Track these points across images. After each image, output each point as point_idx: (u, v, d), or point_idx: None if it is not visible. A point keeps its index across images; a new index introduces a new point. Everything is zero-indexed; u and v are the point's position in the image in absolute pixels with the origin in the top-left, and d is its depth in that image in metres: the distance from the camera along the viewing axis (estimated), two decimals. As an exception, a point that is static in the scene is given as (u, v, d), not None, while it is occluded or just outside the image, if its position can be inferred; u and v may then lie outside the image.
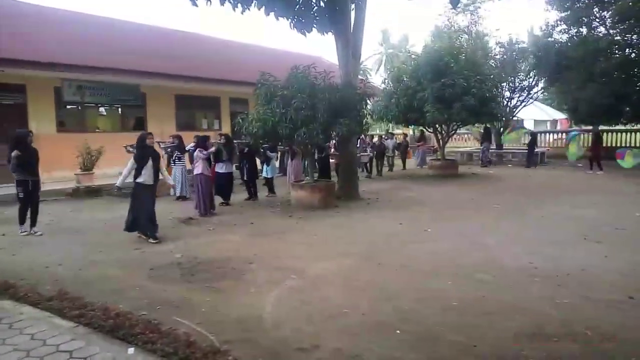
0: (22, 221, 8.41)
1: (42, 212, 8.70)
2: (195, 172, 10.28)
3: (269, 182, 12.99)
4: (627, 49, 21.59)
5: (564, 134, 28.69)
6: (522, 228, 8.53)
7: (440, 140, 18.46)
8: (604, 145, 24.34)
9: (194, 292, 5.26)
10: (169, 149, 12.59)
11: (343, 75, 12.30)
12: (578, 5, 21.89)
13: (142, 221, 7.81)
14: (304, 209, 10.67)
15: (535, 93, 24.31)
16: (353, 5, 12.60)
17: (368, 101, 12.70)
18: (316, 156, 12.86)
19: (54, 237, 8.20)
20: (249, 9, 12.03)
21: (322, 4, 12.71)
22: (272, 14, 12.10)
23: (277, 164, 14.82)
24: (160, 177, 8.30)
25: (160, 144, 12.47)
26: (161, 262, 6.53)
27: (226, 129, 18.81)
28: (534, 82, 23.61)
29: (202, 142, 10.50)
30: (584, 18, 22.25)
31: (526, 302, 4.83)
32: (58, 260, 6.63)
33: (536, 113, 33.21)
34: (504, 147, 24.19)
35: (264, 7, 11.85)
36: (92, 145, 13.77)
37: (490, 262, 6.30)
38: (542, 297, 4.96)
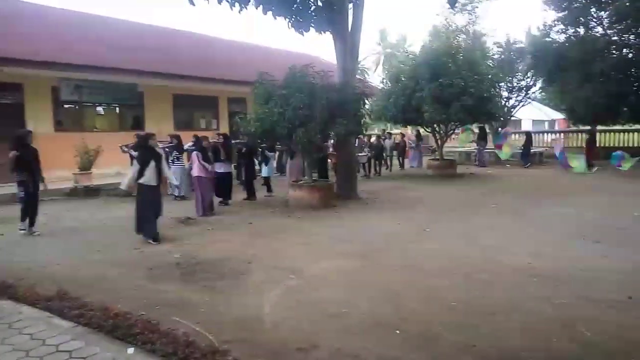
0: (23, 218, 8.35)
1: (40, 211, 8.66)
2: (194, 173, 10.28)
3: (267, 182, 12.97)
4: (625, 49, 21.65)
5: (562, 133, 28.79)
6: (521, 228, 8.54)
7: (439, 140, 18.48)
8: (602, 145, 24.52)
9: (192, 292, 5.26)
10: (167, 149, 12.58)
11: (341, 74, 12.30)
12: (575, 5, 21.93)
13: (145, 222, 7.78)
14: (302, 209, 10.67)
15: (533, 93, 24.39)
16: (351, 5, 12.59)
17: (366, 101, 12.70)
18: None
19: (53, 237, 8.18)
20: (246, 8, 12.02)
21: (319, 3, 12.69)
22: (269, 13, 12.08)
23: (274, 163, 14.81)
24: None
25: (159, 143, 12.43)
26: (160, 262, 6.52)
27: (224, 128, 18.77)
28: (531, 82, 23.69)
29: (199, 144, 10.53)
30: (581, 18, 22.30)
31: (525, 302, 4.84)
32: (57, 260, 6.62)
33: (534, 113, 33.39)
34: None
35: (261, 6, 11.84)
36: (90, 144, 13.73)
37: (489, 262, 6.31)
38: (541, 296, 4.97)
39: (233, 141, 12.88)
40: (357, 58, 13.42)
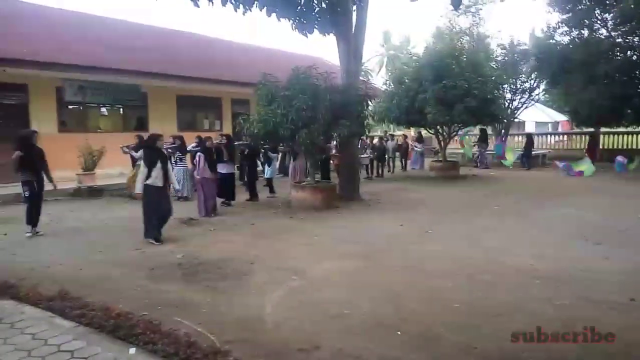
0: (29, 221, 8.23)
1: (43, 211, 8.66)
2: (197, 174, 10.29)
3: (269, 183, 12.97)
4: (629, 51, 21.56)
5: (565, 135, 28.73)
6: (523, 229, 8.53)
7: (442, 142, 18.46)
8: (605, 147, 24.46)
9: (194, 293, 5.27)
10: (170, 150, 12.60)
11: (344, 76, 12.30)
12: (580, 7, 21.86)
13: (150, 222, 7.78)
14: (305, 210, 10.67)
15: (536, 95, 24.31)
16: (354, 7, 12.60)
17: (369, 102, 12.69)
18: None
19: (55, 237, 8.20)
20: (250, 10, 12.05)
21: (323, 5, 12.70)
22: (273, 15, 12.10)
23: (277, 164, 14.82)
24: None
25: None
26: (162, 263, 6.53)
27: (227, 129, 18.78)
28: (535, 84, 23.60)
29: (203, 144, 10.54)
30: (585, 20, 22.22)
31: (527, 303, 4.84)
32: (59, 260, 6.64)
33: (537, 115, 33.28)
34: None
35: (265, 8, 11.86)
36: (94, 145, 13.76)
37: (491, 263, 6.31)
38: (543, 297, 4.97)
39: (236, 142, 12.90)
40: (361, 59, 13.41)
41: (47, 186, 8.57)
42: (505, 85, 21.98)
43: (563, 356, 3.76)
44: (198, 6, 11.63)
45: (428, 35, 49.69)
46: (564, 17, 22.57)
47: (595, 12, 22.00)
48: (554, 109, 34.73)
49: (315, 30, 12.81)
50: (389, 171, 19.22)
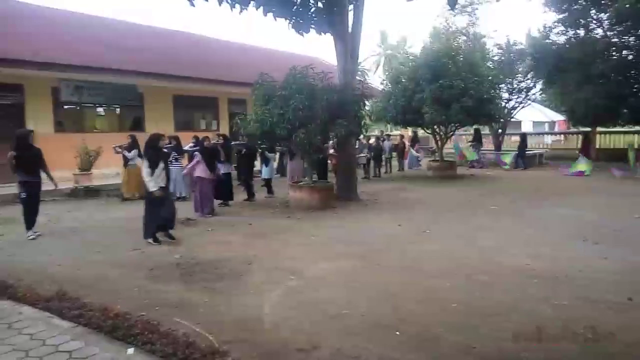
0: (28, 225, 8.14)
1: (40, 212, 8.62)
2: (195, 173, 10.27)
3: (267, 183, 12.97)
4: (624, 51, 21.65)
5: (562, 135, 28.83)
6: (520, 229, 8.55)
7: (439, 142, 18.49)
8: (602, 147, 24.57)
9: (192, 293, 5.26)
10: (166, 150, 12.56)
11: (341, 76, 12.30)
12: (575, 7, 21.93)
13: (150, 222, 7.72)
14: (302, 210, 10.68)
15: (533, 94, 24.36)
16: (351, 6, 12.61)
17: (366, 102, 12.70)
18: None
19: (53, 237, 8.18)
20: (246, 9, 12.05)
21: (320, 4, 12.72)
22: (270, 14, 12.10)
23: (275, 164, 14.81)
24: None
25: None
26: (160, 263, 6.52)
27: (224, 129, 18.75)
28: (531, 84, 23.66)
29: (201, 144, 10.53)
30: (581, 20, 22.30)
31: (525, 303, 4.85)
32: (57, 261, 6.62)
33: (534, 114, 33.36)
34: (501, 149, 24.20)
35: (262, 8, 11.86)
36: (90, 145, 13.74)
37: (488, 263, 6.32)
38: (541, 298, 4.98)
39: (233, 142, 12.89)
40: (358, 59, 13.41)
41: (49, 186, 8.53)
42: (502, 85, 22.03)
43: (562, 356, 3.77)
44: (194, 5, 11.63)
45: (425, 34, 49.94)
46: (560, 16, 22.65)
47: (591, 11, 22.09)
48: (550, 109, 34.82)
49: (311, 29, 12.82)
50: (385, 172, 19.24)
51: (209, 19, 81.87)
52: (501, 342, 3.97)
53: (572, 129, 28.24)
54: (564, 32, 23.06)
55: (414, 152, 21.44)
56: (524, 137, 21.85)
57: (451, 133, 18.52)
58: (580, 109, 21.81)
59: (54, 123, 14.90)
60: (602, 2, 21.16)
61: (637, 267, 6.13)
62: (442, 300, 4.97)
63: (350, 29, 12.55)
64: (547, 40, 22.81)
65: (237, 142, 13.17)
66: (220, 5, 11.86)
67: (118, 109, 17.34)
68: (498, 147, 24.01)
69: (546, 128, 35.93)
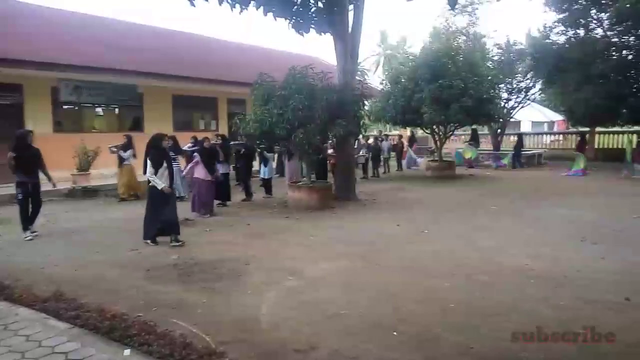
0: (25, 226, 8.10)
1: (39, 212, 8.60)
2: (194, 174, 10.26)
3: (266, 183, 12.94)
4: (624, 51, 21.67)
5: (561, 135, 28.83)
6: (519, 229, 8.54)
7: (438, 142, 18.48)
8: (602, 146, 24.58)
9: (190, 293, 5.24)
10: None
11: (341, 76, 12.28)
12: (576, 7, 21.94)
13: (150, 223, 7.65)
14: (301, 210, 10.66)
15: (532, 94, 24.35)
16: (351, 6, 12.59)
17: (366, 102, 12.68)
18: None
19: (51, 238, 8.15)
20: (246, 9, 12.03)
21: (320, 4, 12.70)
22: (270, 14, 12.09)
23: (274, 164, 14.78)
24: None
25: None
26: (158, 263, 6.50)
27: (223, 129, 18.73)
28: (531, 84, 23.65)
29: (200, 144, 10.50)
30: (581, 20, 22.31)
31: (523, 303, 4.83)
32: (54, 261, 6.60)
33: (533, 114, 33.35)
34: (500, 149, 24.20)
35: (262, 8, 11.84)
36: (89, 145, 13.71)
37: (487, 263, 6.31)
38: (540, 298, 4.97)
39: (232, 142, 12.87)
40: (357, 59, 13.40)
41: (47, 186, 8.51)
42: (502, 85, 22.03)
43: (561, 356, 3.75)
44: (194, 5, 11.62)
45: (425, 34, 49.88)
46: (560, 16, 22.66)
47: (591, 11, 22.10)
48: (549, 109, 34.81)
49: (311, 29, 12.81)
50: (384, 172, 19.22)
51: (208, 19, 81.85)
52: (501, 342, 3.95)
53: (571, 129, 28.25)
54: (564, 32, 23.09)
55: (412, 152, 21.43)
56: (520, 137, 21.83)
57: (450, 133, 18.51)
58: (579, 109, 21.83)
59: (53, 123, 14.87)
60: (602, 2, 21.18)
61: (637, 267, 6.11)
62: (441, 300, 4.95)
63: (350, 29, 12.53)
64: (547, 40, 22.82)
65: (236, 142, 13.14)
66: (220, 5, 11.85)
67: (117, 109, 17.31)
68: (497, 147, 24.00)
69: (545, 128, 35.92)
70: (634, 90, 20.79)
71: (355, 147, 15.27)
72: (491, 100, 17.06)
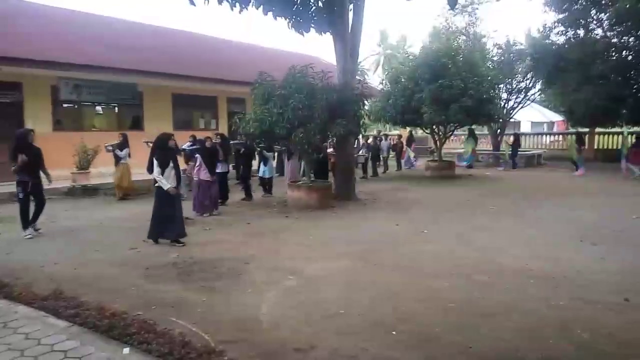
0: (25, 225, 8.09)
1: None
2: (195, 174, 10.25)
3: (266, 182, 12.93)
4: (624, 51, 21.68)
5: (560, 135, 28.83)
6: (519, 229, 8.54)
7: (438, 142, 18.47)
8: (601, 147, 24.56)
9: (190, 292, 5.24)
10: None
11: (341, 75, 12.28)
12: (575, 7, 21.95)
13: (166, 222, 7.56)
14: (300, 209, 10.66)
15: (532, 95, 24.34)
16: (351, 6, 12.59)
17: (365, 101, 12.68)
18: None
19: (51, 236, 8.15)
20: (246, 9, 12.03)
21: (320, 4, 12.70)
22: (270, 13, 12.09)
23: (274, 164, 14.78)
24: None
25: (150, 143, 12.37)
26: (157, 262, 6.50)
27: (223, 128, 18.73)
28: (531, 84, 23.64)
29: (200, 143, 10.49)
30: (581, 20, 22.31)
31: (523, 303, 4.83)
32: (54, 260, 6.59)
33: (533, 115, 33.37)
34: (499, 149, 24.18)
35: (262, 7, 11.84)
36: (89, 144, 13.71)
37: (487, 263, 6.30)
38: (539, 298, 4.97)
39: (232, 141, 12.86)
40: (357, 59, 13.40)
41: (45, 184, 8.48)
42: (501, 85, 22.02)
43: (561, 356, 3.75)
44: (194, 4, 11.62)
45: (424, 34, 49.78)
46: (560, 16, 22.66)
47: (591, 12, 22.11)
48: (549, 109, 34.82)
49: (311, 29, 12.81)
50: (384, 171, 19.21)
51: (208, 18, 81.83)
52: (501, 342, 3.95)
53: (571, 130, 28.22)
54: (564, 32, 23.08)
55: (411, 151, 21.42)
56: (517, 137, 21.82)
57: (450, 133, 18.51)
58: (579, 109, 21.82)
59: (53, 122, 14.87)
60: (602, 2, 21.19)
61: (637, 267, 6.12)
62: (441, 300, 4.95)
63: (350, 29, 12.52)
64: (547, 41, 22.81)
65: (236, 141, 13.13)
66: (220, 4, 11.85)
67: (117, 108, 17.30)
68: (497, 147, 23.99)
69: (545, 128, 35.93)
70: (634, 90, 20.79)
71: (356, 146, 15.28)
72: (491, 100, 17.06)
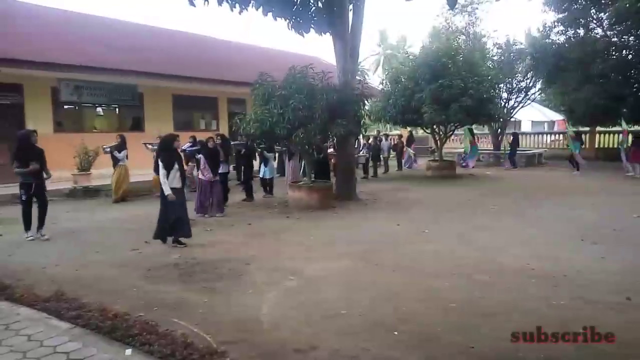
0: (27, 227, 8.07)
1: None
2: (198, 175, 10.27)
3: (267, 183, 12.94)
4: (624, 51, 21.67)
5: (561, 134, 28.81)
6: (520, 229, 8.54)
7: (438, 141, 18.48)
8: (602, 146, 24.55)
9: (191, 293, 5.25)
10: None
11: (341, 75, 12.29)
12: (575, 6, 21.94)
13: (164, 224, 7.57)
14: (301, 209, 10.67)
15: (532, 94, 24.35)
16: (351, 6, 12.59)
17: (366, 102, 12.69)
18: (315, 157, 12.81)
19: (52, 238, 8.15)
20: (246, 10, 12.04)
21: (320, 4, 12.71)
22: (270, 14, 12.10)
23: (275, 164, 14.78)
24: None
25: (148, 145, 12.40)
26: (159, 263, 6.51)
27: (224, 129, 18.74)
28: (531, 83, 23.65)
29: (201, 144, 10.51)
30: (581, 19, 22.30)
31: (524, 303, 4.84)
32: (55, 261, 6.61)
33: (533, 114, 33.32)
34: (499, 149, 24.18)
35: (261, 8, 11.85)
36: (89, 145, 13.72)
37: (487, 263, 6.31)
38: (540, 297, 4.97)
39: (232, 142, 12.86)
40: (357, 59, 13.40)
41: (47, 185, 8.48)
42: (502, 85, 22.03)
43: (561, 356, 3.76)
44: (194, 5, 11.62)
45: (424, 34, 49.71)
46: (560, 16, 22.64)
47: (591, 11, 22.09)
48: (549, 108, 34.79)
49: (311, 29, 12.81)
50: (384, 172, 19.22)
51: (208, 19, 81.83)
52: (500, 342, 3.96)
53: (571, 129, 28.17)
54: (563, 31, 23.07)
55: (411, 151, 21.42)
56: (516, 136, 21.82)
57: (450, 133, 18.51)
58: (579, 109, 21.82)
59: (54, 123, 14.88)
60: (602, 1, 21.17)
61: (637, 267, 6.12)
62: (441, 300, 4.96)
63: (350, 29, 12.53)
64: (547, 40, 22.80)
65: (236, 142, 13.13)
66: (220, 5, 11.85)
67: (117, 109, 17.32)
68: (497, 146, 24.00)
69: (545, 128, 35.88)
70: (634, 89, 20.79)
71: (356, 146, 15.28)
72: (491, 100, 17.07)
